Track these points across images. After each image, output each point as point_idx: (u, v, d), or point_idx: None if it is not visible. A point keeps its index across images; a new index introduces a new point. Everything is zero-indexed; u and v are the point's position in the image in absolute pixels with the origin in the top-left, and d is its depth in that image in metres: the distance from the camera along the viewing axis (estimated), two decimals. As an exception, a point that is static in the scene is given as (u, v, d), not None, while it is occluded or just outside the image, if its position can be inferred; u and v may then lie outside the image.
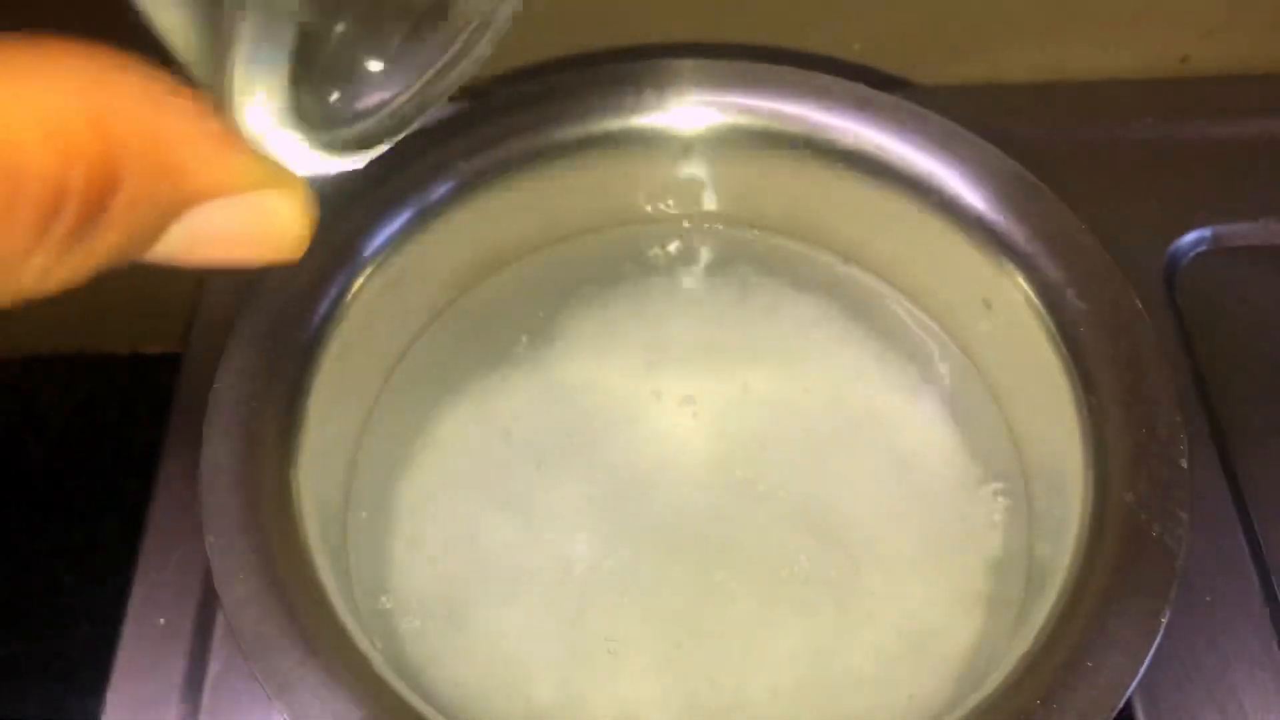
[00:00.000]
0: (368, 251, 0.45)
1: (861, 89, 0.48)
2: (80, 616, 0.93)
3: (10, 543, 0.95)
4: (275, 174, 0.23)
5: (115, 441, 0.98)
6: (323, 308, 0.43)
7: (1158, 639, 0.35)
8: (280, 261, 0.25)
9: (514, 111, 0.47)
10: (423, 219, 0.46)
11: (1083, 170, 0.58)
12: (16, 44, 0.19)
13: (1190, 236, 0.56)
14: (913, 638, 0.44)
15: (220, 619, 0.47)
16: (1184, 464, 0.38)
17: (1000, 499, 0.46)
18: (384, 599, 0.45)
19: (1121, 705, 0.34)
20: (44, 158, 0.19)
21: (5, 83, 0.19)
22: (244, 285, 0.44)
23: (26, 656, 0.92)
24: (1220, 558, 0.47)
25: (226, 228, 0.23)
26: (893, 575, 0.45)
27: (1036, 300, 0.44)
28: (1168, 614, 0.36)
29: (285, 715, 0.34)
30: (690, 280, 0.53)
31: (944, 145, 0.46)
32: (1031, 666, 0.36)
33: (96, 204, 0.20)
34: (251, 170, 0.23)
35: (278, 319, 0.42)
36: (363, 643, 0.36)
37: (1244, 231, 0.57)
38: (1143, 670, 0.35)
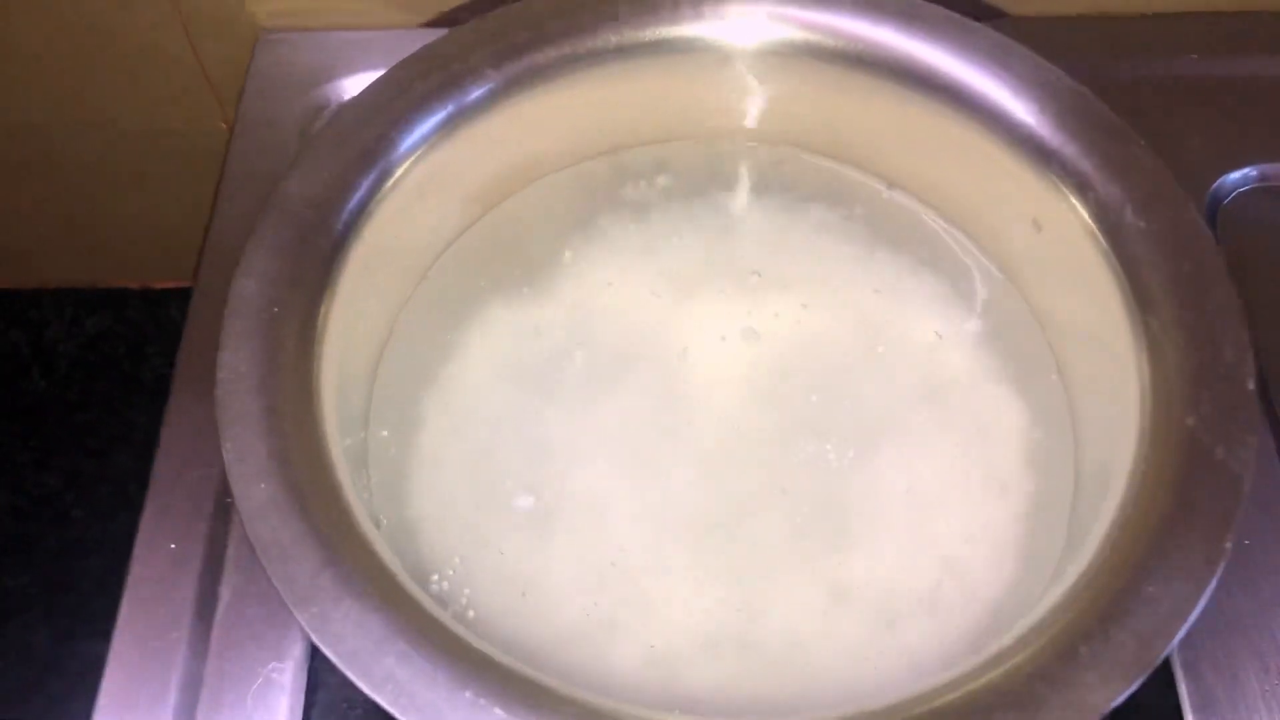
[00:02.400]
0: (393, 157, 0.43)
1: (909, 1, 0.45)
2: (89, 549, 0.93)
3: (19, 476, 0.95)
4: None
5: (124, 375, 0.97)
6: (345, 214, 0.41)
7: (1222, 565, 0.34)
8: None
9: (549, 17, 0.45)
10: (452, 126, 0.44)
11: (1126, 106, 0.56)
12: None
13: (1235, 174, 0.55)
14: (948, 566, 0.42)
15: (231, 544, 0.45)
16: (1250, 386, 0.36)
17: (1044, 424, 0.45)
18: (406, 513, 0.43)
19: (1185, 631, 0.32)
20: None
21: None
22: (256, 214, 0.42)
23: (37, 588, 0.92)
24: (1261, 500, 0.45)
25: None
26: (929, 503, 0.44)
27: (1091, 220, 0.42)
28: (1232, 540, 0.34)
29: (304, 623, 0.33)
30: (728, 201, 0.51)
31: (994, 58, 0.44)
32: (1086, 591, 0.34)
33: None
34: None
35: (299, 223, 0.41)
36: (383, 551, 0.35)
37: (1291, 169, 0.55)
38: (1206, 596, 0.33)
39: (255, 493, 0.34)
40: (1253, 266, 0.52)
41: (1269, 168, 0.55)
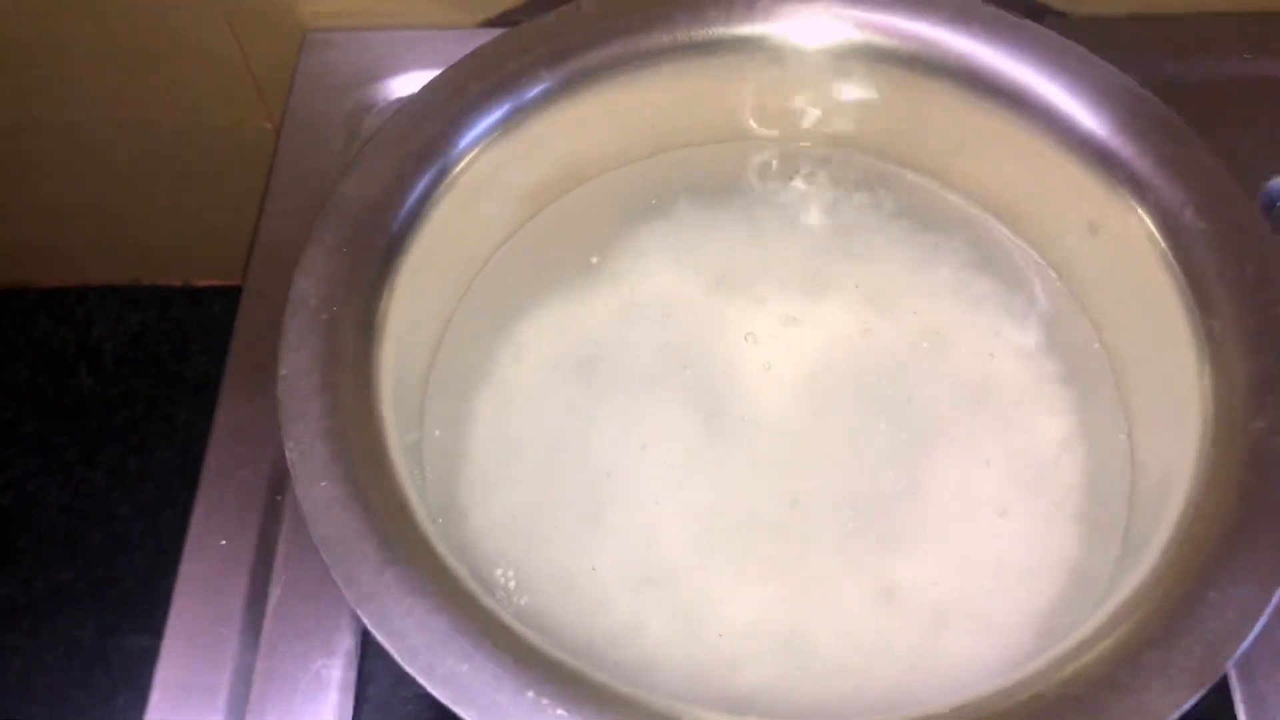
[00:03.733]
0: (449, 158, 0.43)
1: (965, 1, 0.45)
2: (134, 545, 0.93)
3: (65, 472, 0.96)
4: None
5: (168, 373, 0.98)
6: (402, 214, 0.42)
7: (1291, 570, 0.33)
8: None
9: (603, 17, 0.45)
10: (507, 127, 0.44)
11: (1178, 105, 0.55)
12: None
13: (1286, 177, 0.53)
14: (1000, 573, 0.42)
15: (282, 541, 0.46)
16: (1318, 390, 0.36)
17: (1099, 429, 0.45)
18: (459, 511, 0.43)
19: (1253, 637, 0.32)
20: None
21: None
22: (305, 213, 0.42)
23: (82, 583, 0.92)
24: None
25: None
26: (981, 509, 0.43)
27: (1150, 222, 0.41)
28: (1301, 544, 0.34)
29: (367, 620, 0.33)
30: (781, 201, 0.51)
31: (1051, 59, 0.44)
32: (1150, 596, 0.34)
33: None
34: None
35: (356, 224, 0.41)
36: (443, 550, 0.35)
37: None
38: (1274, 603, 0.33)
39: (317, 491, 0.34)
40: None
41: (1320, 169, 0.54)
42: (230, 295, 0.51)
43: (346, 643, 0.43)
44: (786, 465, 0.45)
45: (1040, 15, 0.58)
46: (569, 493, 0.44)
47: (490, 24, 0.60)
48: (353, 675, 0.43)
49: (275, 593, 0.45)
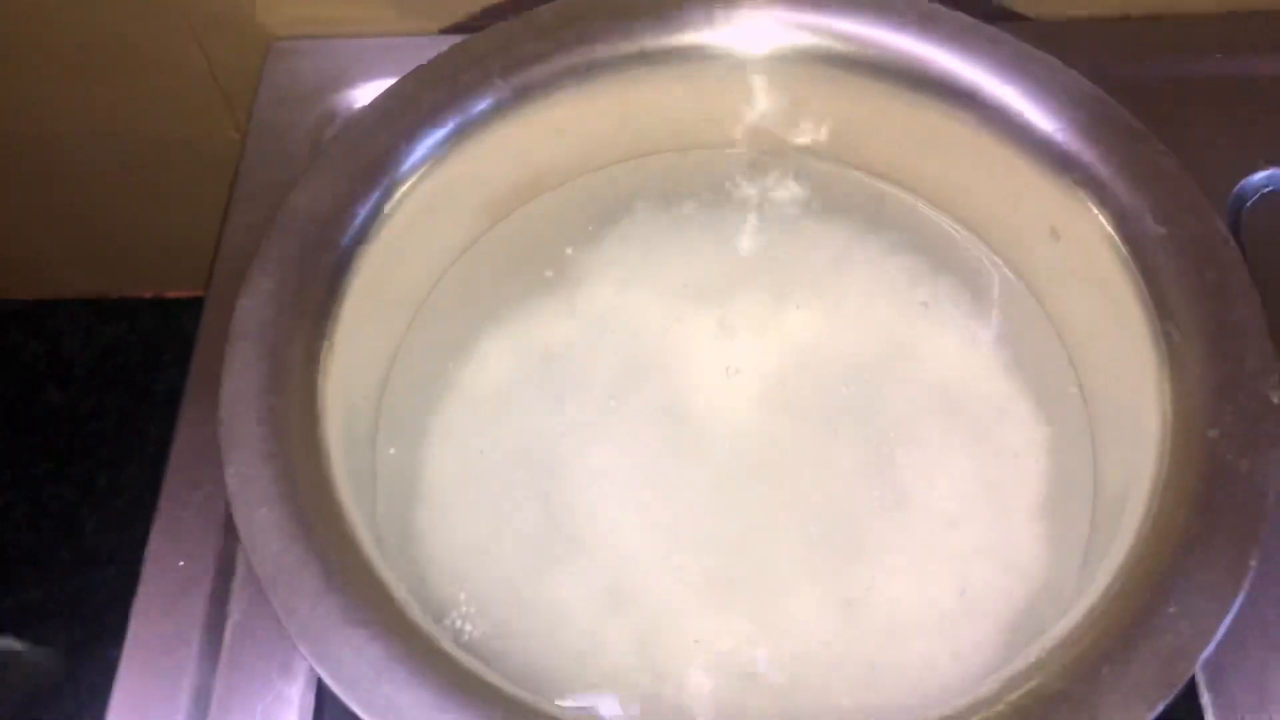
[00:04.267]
0: (401, 171, 0.42)
1: (924, 3, 0.45)
2: (103, 560, 0.93)
3: (33, 487, 0.95)
4: None
5: (138, 386, 0.97)
6: (351, 231, 0.41)
7: (1247, 583, 0.33)
8: None
9: (559, 25, 0.45)
10: (460, 138, 0.44)
11: (1146, 106, 0.55)
12: None
13: (1258, 176, 0.53)
14: (963, 584, 0.41)
15: (241, 562, 0.45)
16: (1276, 398, 0.35)
17: (1061, 437, 0.44)
18: (412, 531, 0.43)
19: (1209, 651, 0.32)
20: None
21: None
22: (270, 224, 0.42)
23: (50, 599, 0.92)
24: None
25: None
26: (943, 519, 0.43)
27: (1110, 227, 0.41)
28: (1257, 555, 0.33)
29: (304, 650, 0.32)
30: (740, 209, 0.50)
31: (1009, 62, 0.43)
32: (1107, 611, 0.33)
33: None
34: None
35: (304, 241, 0.40)
36: (386, 576, 0.34)
37: (1314, 172, 0.53)
38: (1230, 615, 0.32)
39: (258, 518, 0.34)
40: (1276, 269, 0.50)
41: (1291, 169, 0.53)
42: (200, 307, 0.50)
43: (305, 664, 0.42)
44: (749, 480, 0.44)
45: (1002, 19, 0.57)
46: (523, 512, 0.43)
47: (455, 30, 0.60)
48: (311, 697, 0.42)
49: (234, 613, 0.45)
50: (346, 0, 0.58)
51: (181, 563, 0.45)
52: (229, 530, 0.46)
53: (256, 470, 0.35)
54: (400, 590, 0.35)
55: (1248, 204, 0.53)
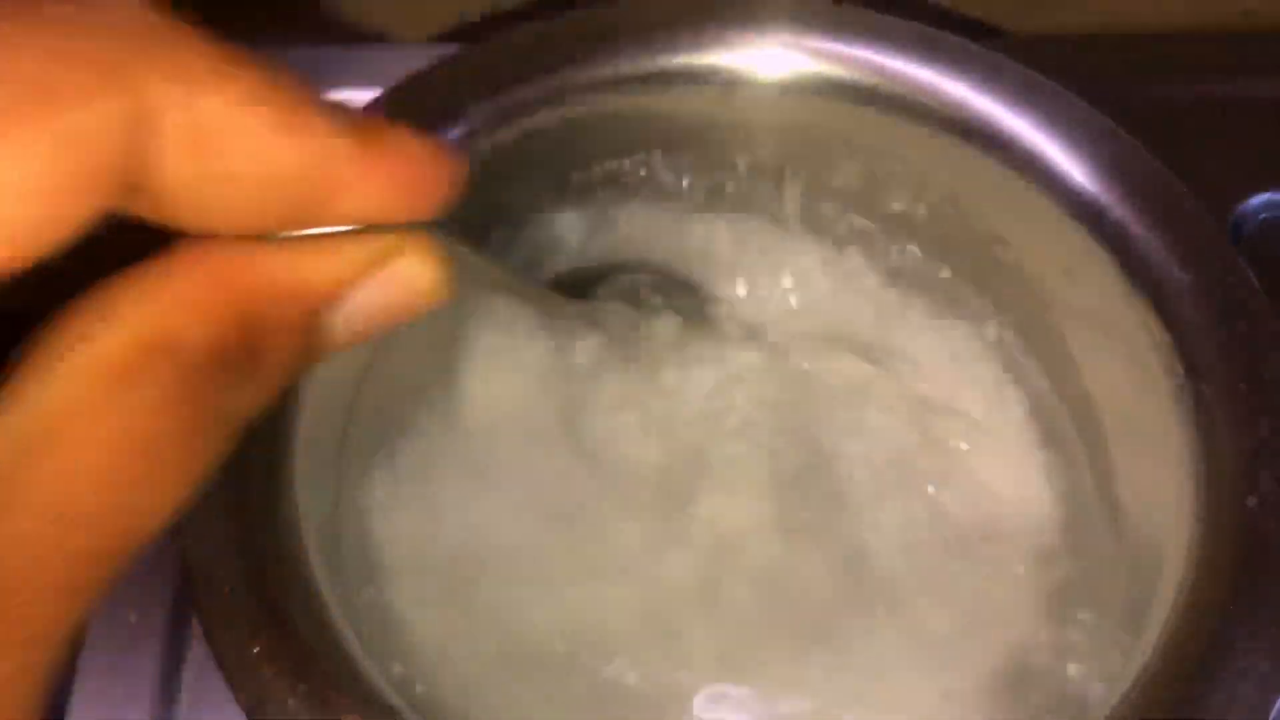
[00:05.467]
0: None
1: (925, 29, 0.42)
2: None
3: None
4: (394, 243, 0.24)
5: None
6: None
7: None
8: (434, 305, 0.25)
9: (534, 51, 0.42)
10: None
11: (1142, 129, 0.53)
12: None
13: (1257, 200, 0.52)
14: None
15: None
16: (1318, 465, 0.33)
17: (1076, 507, 0.42)
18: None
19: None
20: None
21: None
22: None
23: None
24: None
25: (374, 306, 0.24)
26: (941, 601, 0.41)
27: (1129, 271, 0.38)
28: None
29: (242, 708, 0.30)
30: (721, 245, 0.47)
31: (1018, 94, 0.40)
32: (1139, 703, 0.30)
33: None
34: (370, 249, 0.24)
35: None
36: (341, 633, 0.31)
37: (1315, 195, 0.52)
38: (1276, 708, 0.30)
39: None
40: (1277, 295, 0.48)
41: (1294, 192, 0.52)
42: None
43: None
44: (726, 532, 0.42)
45: (982, 35, 0.55)
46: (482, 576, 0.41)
47: (442, 38, 0.59)
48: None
49: (189, 670, 0.43)
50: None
51: (133, 617, 0.44)
52: (183, 582, 0.43)
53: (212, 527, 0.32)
54: (351, 644, 0.33)
55: (1246, 229, 0.52)
